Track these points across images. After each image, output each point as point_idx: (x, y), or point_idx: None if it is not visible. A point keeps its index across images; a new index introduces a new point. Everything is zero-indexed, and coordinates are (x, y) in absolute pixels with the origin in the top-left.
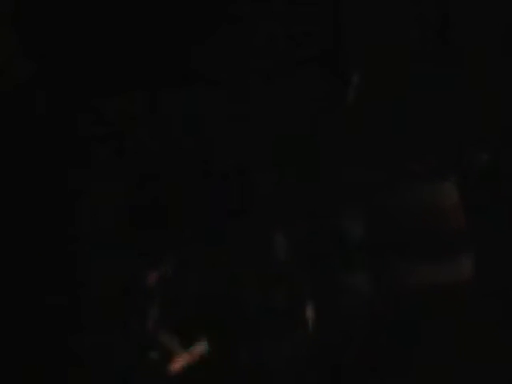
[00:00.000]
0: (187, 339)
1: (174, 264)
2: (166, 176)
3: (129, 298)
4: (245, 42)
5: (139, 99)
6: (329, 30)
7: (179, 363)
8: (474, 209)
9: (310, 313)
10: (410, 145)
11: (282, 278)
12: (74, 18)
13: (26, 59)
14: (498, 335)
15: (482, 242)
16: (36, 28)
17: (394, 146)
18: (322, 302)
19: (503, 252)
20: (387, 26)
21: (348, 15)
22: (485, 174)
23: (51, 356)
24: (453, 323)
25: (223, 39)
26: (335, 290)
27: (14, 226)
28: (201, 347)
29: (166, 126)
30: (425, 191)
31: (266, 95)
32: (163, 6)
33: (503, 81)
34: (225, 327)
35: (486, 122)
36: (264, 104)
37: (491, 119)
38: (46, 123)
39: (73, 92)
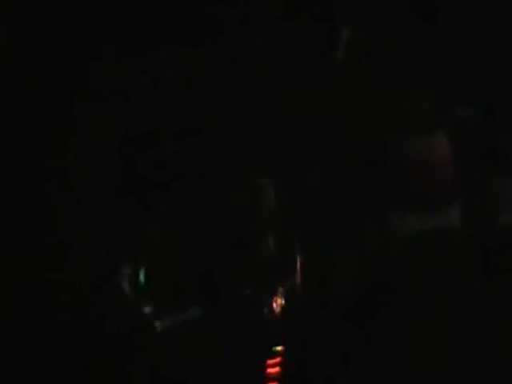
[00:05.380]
0: (177, 296)
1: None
2: (158, 137)
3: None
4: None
5: (133, 60)
6: None
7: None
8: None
9: (298, 264)
10: (399, 98)
11: (271, 228)
12: None
13: None
14: (481, 284)
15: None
16: None
17: (383, 100)
18: (309, 253)
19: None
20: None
21: None
22: (476, 129)
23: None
24: (441, 273)
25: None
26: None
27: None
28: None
29: (160, 88)
30: (413, 143)
31: (261, 52)
32: None
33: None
34: (214, 279)
35: (479, 80)
36: (260, 63)
37: (484, 80)
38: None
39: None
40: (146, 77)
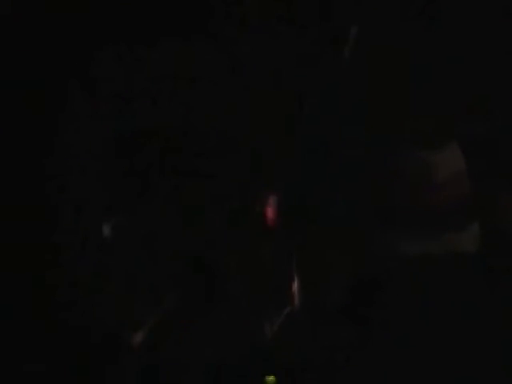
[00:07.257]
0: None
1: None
2: (155, 132)
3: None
4: None
5: (131, 52)
6: None
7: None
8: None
9: (296, 283)
10: (404, 113)
11: (269, 239)
12: None
13: None
14: (496, 310)
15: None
16: None
17: (387, 115)
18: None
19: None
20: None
21: None
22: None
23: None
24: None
25: None
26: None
27: None
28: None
29: (159, 82)
30: (421, 161)
31: (262, 48)
32: None
33: (492, 52)
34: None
35: (481, 92)
36: (260, 58)
37: (486, 89)
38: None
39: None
40: (145, 73)
